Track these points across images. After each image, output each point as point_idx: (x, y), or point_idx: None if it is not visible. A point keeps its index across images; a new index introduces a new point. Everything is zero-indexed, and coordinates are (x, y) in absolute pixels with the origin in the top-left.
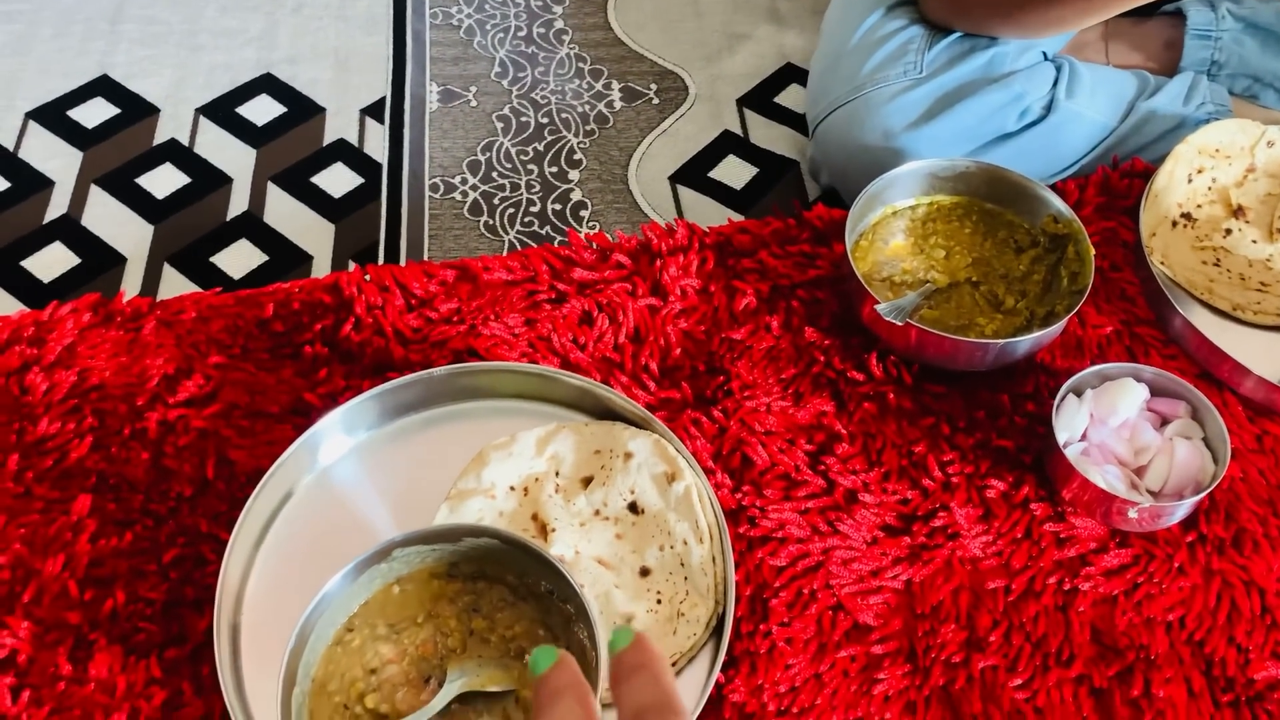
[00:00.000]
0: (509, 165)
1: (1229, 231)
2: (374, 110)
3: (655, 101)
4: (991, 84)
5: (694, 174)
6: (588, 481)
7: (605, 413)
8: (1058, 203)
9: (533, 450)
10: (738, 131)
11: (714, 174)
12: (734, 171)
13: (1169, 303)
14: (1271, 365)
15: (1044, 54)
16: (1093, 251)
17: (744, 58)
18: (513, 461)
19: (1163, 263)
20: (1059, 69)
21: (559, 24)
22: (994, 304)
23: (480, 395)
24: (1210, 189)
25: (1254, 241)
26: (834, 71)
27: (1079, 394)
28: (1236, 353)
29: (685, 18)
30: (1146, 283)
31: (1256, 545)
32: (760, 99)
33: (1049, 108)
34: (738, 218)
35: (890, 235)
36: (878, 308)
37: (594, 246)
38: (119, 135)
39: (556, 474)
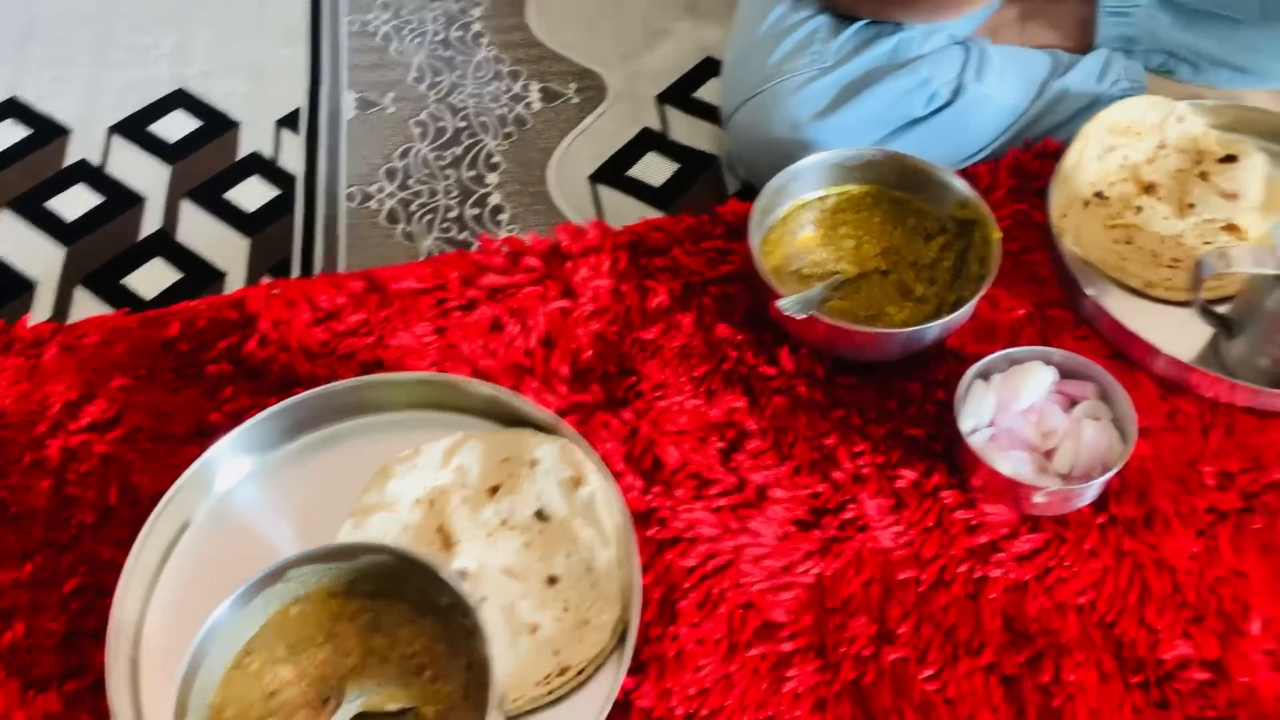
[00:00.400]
0: (426, 171)
1: (1140, 209)
2: (290, 122)
3: (574, 101)
4: (898, 70)
5: (614, 173)
6: (495, 490)
7: (514, 419)
8: (964, 188)
9: (438, 461)
10: (657, 128)
11: (633, 172)
12: (654, 169)
13: (1079, 283)
14: (1183, 341)
15: (953, 37)
16: (998, 236)
17: (663, 53)
18: (417, 474)
19: (1074, 243)
20: (968, 52)
21: (477, 26)
22: (904, 292)
23: (386, 408)
24: (1122, 166)
25: (1165, 218)
26: (742, 65)
27: (987, 379)
28: (1149, 330)
29: (604, 15)
30: (1057, 264)
31: (1167, 524)
32: (680, 94)
33: (957, 91)
34: (658, 215)
35: (800, 227)
36: (780, 303)
37: (505, 250)
38: (29, 158)
39: (463, 485)
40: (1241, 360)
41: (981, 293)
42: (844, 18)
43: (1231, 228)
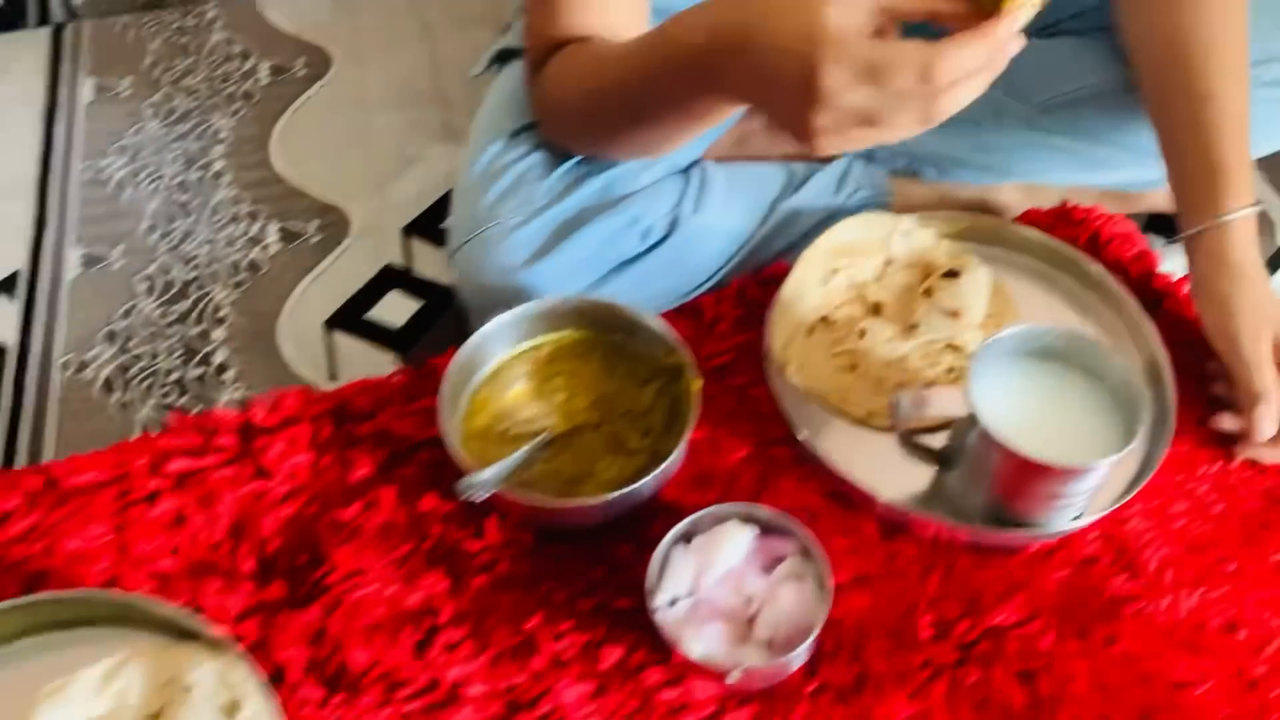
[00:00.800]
0: (149, 331)
1: (864, 332)
2: (6, 286)
3: (315, 240)
4: (608, 209)
5: (351, 317)
6: (156, 718)
7: (183, 632)
8: (666, 333)
9: (94, 689)
10: (401, 264)
11: (373, 314)
12: (395, 309)
13: (796, 420)
14: (906, 476)
15: (674, 167)
16: (698, 385)
17: (412, 182)
18: (68, 709)
19: (797, 374)
20: (687, 181)
21: (218, 165)
22: (616, 446)
23: (46, 628)
24: (849, 287)
25: (889, 340)
26: (460, 207)
27: (689, 541)
28: (870, 466)
29: (353, 145)
30: (779, 399)
31: (879, 687)
32: (428, 225)
33: (673, 225)
34: (395, 361)
35: (512, 381)
36: (458, 486)
37: (196, 429)
38: None
39: (121, 714)
40: (960, 494)
41: (679, 447)
42: (560, 155)
43: (954, 348)
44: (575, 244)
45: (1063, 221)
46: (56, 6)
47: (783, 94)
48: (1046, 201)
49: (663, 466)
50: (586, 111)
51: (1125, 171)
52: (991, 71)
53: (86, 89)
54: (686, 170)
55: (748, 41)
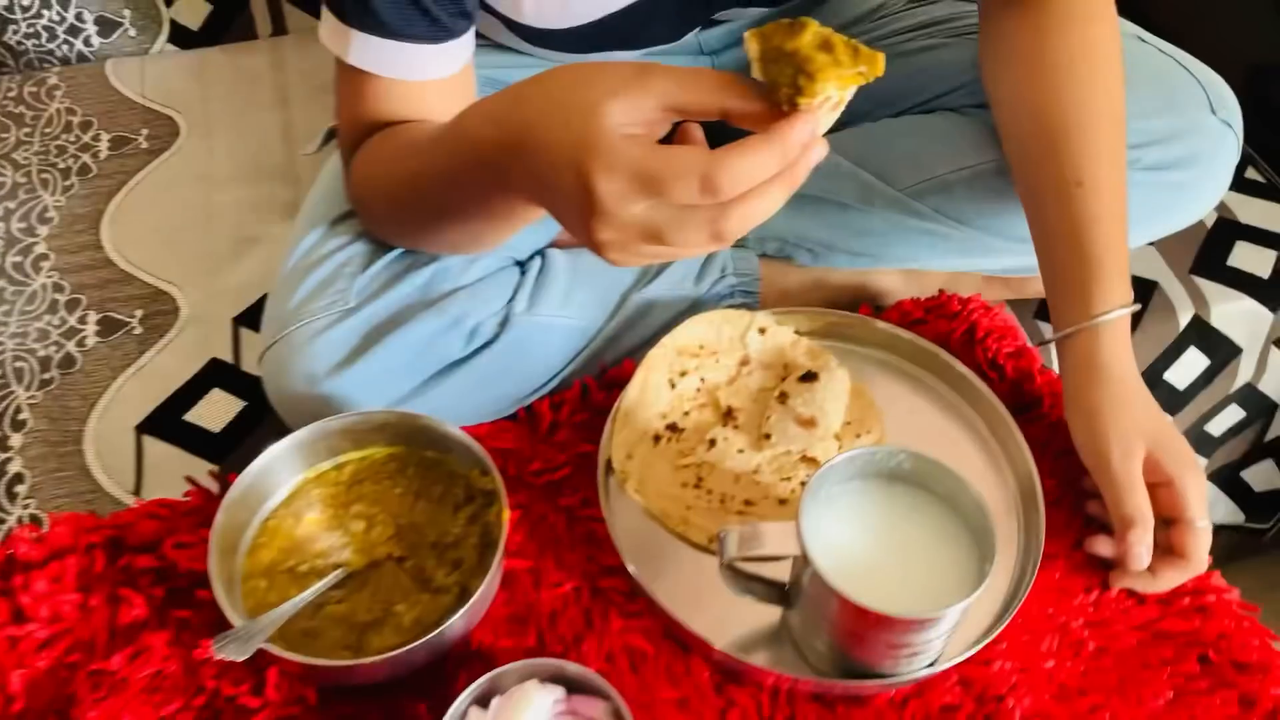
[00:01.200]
0: None
1: (714, 442)
2: None
3: (138, 331)
4: (427, 308)
5: (167, 419)
6: None
7: None
8: (479, 451)
9: None
10: (228, 358)
11: (191, 415)
12: (216, 410)
13: (629, 547)
14: (749, 614)
15: (510, 258)
16: (506, 515)
17: (252, 265)
18: None
19: (637, 490)
20: (523, 274)
21: (40, 248)
22: (421, 582)
23: None
24: (699, 390)
25: (741, 451)
26: (271, 304)
27: (486, 704)
28: (710, 603)
29: (192, 225)
30: (610, 522)
31: None
32: (259, 315)
33: (504, 324)
34: (211, 468)
35: (306, 508)
36: (212, 646)
37: None
38: None
39: None
40: (803, 637)
41: (484, 584)
42: (382, 247)
43: (809, 460)
44: (389, 348)
45: (937, 313)
46: None
47: (565, 202)
48: (928, 286)
49: (466, 608)
50: (394, 203)
51: (1006, 258)
52: (790, 181)
53: None
54: (525, 261)
55: (525, 144)
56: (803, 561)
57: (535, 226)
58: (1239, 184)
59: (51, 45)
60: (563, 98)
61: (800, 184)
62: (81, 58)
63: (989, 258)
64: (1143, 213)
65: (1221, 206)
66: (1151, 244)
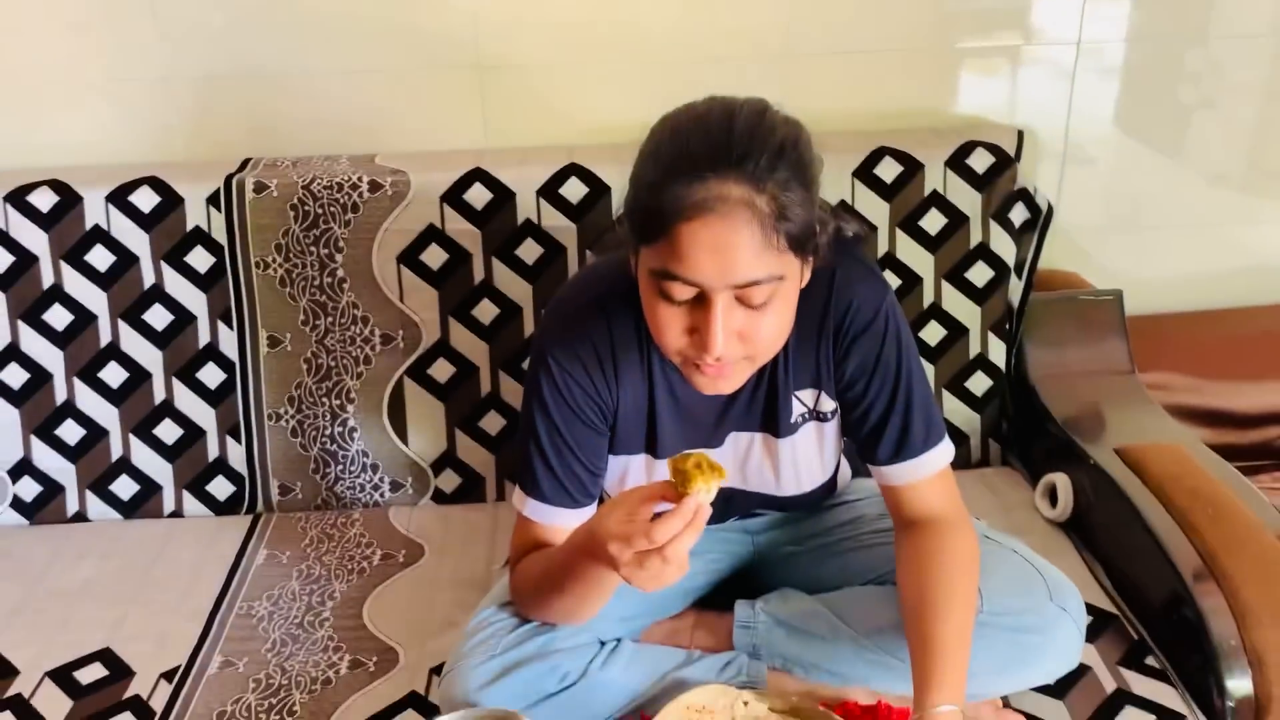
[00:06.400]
0: (247, 718)
1: None
2: (169, 676)
3: (371, 669)
4: (540, 660)
5: None
6: None
7: None
8: None
9: None
10: (422, 691)
11: None
12: None
13: None
14: None
15: (598, 637)
16: None
17: (451, 636)
18: None
19: None
20: (602, 646)
21: (325, 613)
22: None
23: None
24: None
25: None
26: (456, 645)
27: None
28: None
29: (420, 609)
30: None
31: None
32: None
33: (583, 674)
34: None
35: None
36: None
37: None
38: None
39: None
40: None
41: None
42: (522, 620)
43: None
44: (514, 679)
45: (870, 714)
46: (261, 503)
47: (604, 551)
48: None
49: None
50: (535, 590)
51: None
52: (695, 530)
53: (260, 556)
54: (605, 642)
55: (593, 530)
56: None
57: (614, 624)
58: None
59: (360, 495)
60: (600, 512)
61: (700, 534)
62: (375, 504)
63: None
64: (1005, 661)
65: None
66: None
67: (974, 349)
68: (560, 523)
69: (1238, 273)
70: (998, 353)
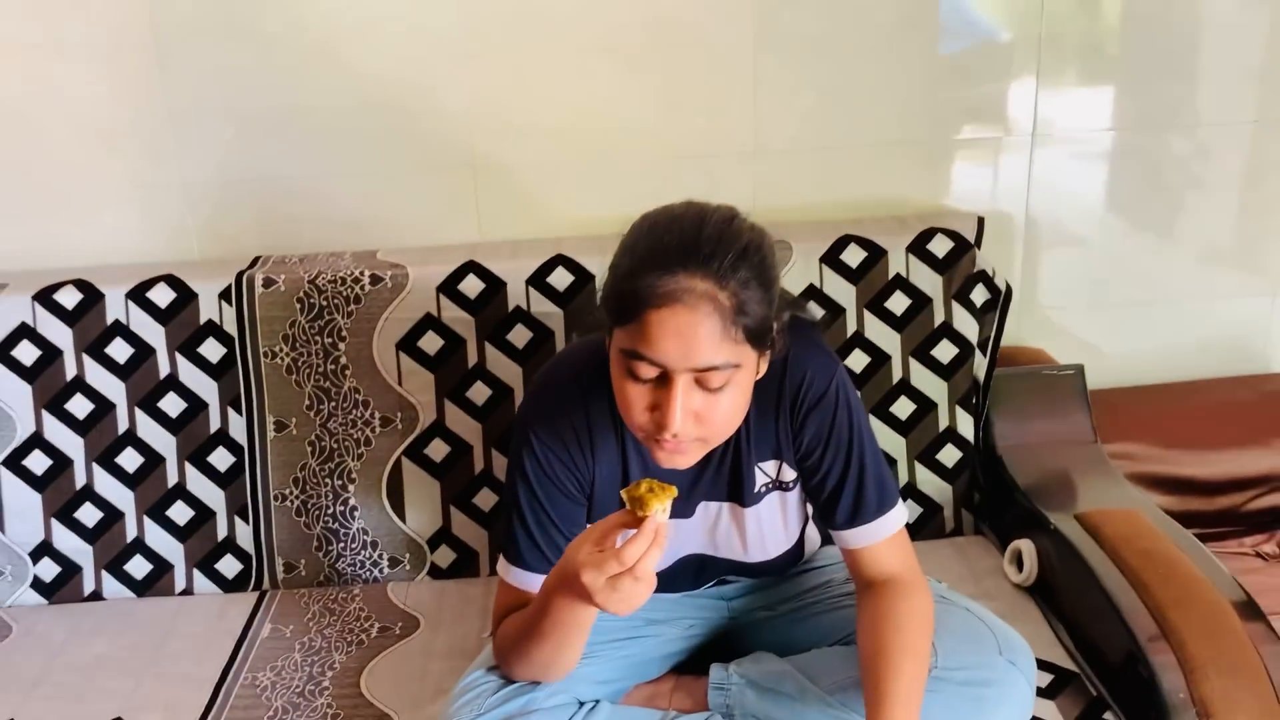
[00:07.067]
0: None
1: None
2: None
3: None
4: (521, 718)
5: None
6: None
7: None
8: None
9: None
10: None
11: None
12: None
13: None
14: None
15: (577, 698)
16: None
17: (441, 704)
18: None
19: None
20: (580, 706)
21: (325, 683)
22: None
23: None
24: None
25: None
26: (443, 705)
27: None
28: None
29: (414, 681)
30: None
31: None
32: None
33: None
34: None
35: None
36: None
37: None
38: None
39: None
40: None
41: None
42: (507, 681)
43: None
44: None
45: None
46: (267, 580)
47: (576, 581)
48: None
49: None
50: (513, 646)
51: None
52: (659, 546)
53: (265, 629)
54: (584, 703)
55: (563, 569)
56: None
57: (595, 686)
58: None
59: (360, 571)
60: (568, 550)
61: (663, 550)
62: (374, 579)
63: None
64: (959, 715)
65: None
66: None
67: (943, 422)
68: (541, 587)
69: (1195, 347)
70: (966, 426)
